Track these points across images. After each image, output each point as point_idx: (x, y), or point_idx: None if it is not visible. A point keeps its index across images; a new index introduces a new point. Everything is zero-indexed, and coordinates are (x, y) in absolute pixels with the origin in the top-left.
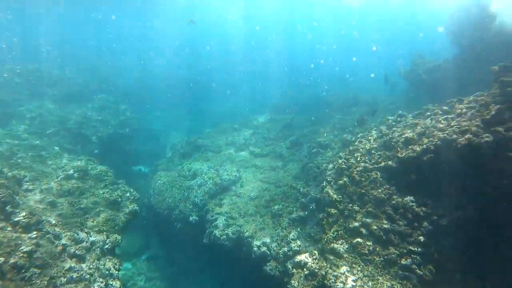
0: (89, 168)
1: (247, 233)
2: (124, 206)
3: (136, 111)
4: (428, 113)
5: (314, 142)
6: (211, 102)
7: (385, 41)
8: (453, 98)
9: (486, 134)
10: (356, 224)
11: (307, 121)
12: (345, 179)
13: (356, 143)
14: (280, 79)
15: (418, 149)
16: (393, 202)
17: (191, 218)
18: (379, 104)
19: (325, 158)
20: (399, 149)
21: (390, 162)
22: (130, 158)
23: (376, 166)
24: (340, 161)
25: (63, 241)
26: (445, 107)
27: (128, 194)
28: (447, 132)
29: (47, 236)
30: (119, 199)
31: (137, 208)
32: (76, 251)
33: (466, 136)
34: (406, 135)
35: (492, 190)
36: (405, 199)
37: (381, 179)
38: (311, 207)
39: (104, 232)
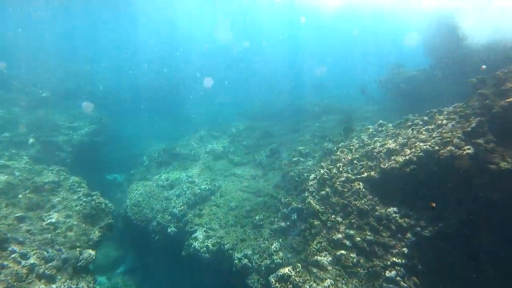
0: (61, 179)
1: (227, 245)
2: (99, 219)
3: (112, 117)
4: (409, 123)
5: (294, 151)
6: (190, 109)
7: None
8: (429, 106)
9: (468, 146)
10: (340, 235)
11: (286, 129)
12: (327, 190)
13: (338, 153)
14: (261, 86)
15: (401, 160)
16: (376, 213)
17: (169, 230)
18: (355, 112)
19: (306, 167)
20: (381, 160)
21: (372, 173)
22: (105, 166)
23: (358, 176)
24: (322, 171)
25: (32, 261)
26: (425, 118)
27: (103, 206)
28: (430, 143)
29: (13, 256)
30: (93, 212)
31: (113, 221)
32: (46, 271)
33: (448, 148)
34: (388, 145)
35: (472, 202)
36: (388, 210)
37: (364, 189)
38: (293, 218)
39: (77, 248)
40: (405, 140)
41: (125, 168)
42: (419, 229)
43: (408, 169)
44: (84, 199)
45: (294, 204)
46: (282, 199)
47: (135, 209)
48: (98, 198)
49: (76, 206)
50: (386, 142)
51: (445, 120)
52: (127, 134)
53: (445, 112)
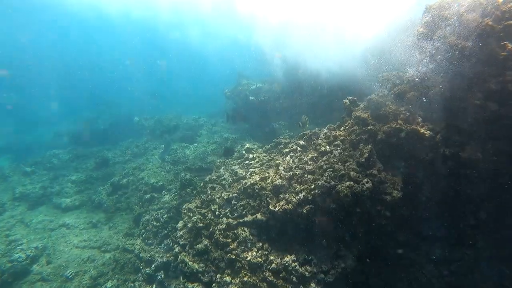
0: None
1: None
2: None
3: None
4: (286, 150)
5: (143, 184)
6: None
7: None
8: (279, 119)
9: (366, 180)
10: None
11: (125, 154)
12: (205, 242)
13: (208, 191)
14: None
15: (295, 200)
16: (272, 265)
17: None
18: (203, 127)
19: (164, 205)
20: (268, 200)
21: (259, 215)
22: None
23: (241, 220)
24: (194, 218)
25: None
26: (301, 142)
27: None
28: (325, 178)
29: None
30: None
31: None
32: None
33: (347, 183)
34: (273, 181)
35: (365, 234)
36: (285, 259)
37: (251, 237)
38: (160, 278)
39: None
40: (290, 172)
41: None
42: (322, 275)
43: (304, 210)
44: None
45: (158, 258)
46: (141, 253)
47: None
48: None
49: None
50: (267, 175)
51: (328, 147)
52: None
53: (322, 136)
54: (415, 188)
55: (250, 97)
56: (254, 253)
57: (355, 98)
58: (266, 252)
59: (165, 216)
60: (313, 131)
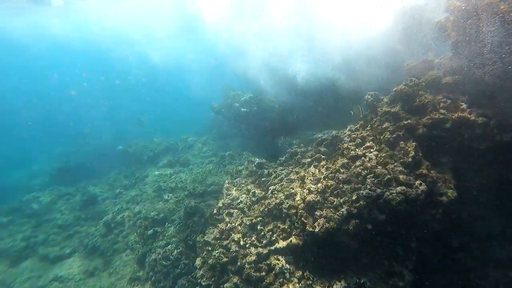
0: None
1: None
2: None
3: None
4: (307, 160)
5: (142, 219)
6: None
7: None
8: (278, 128)
9: (418, 182)
10: None
11: (115, 185)
12: (235, 280)
13: (226, 218)
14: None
15: (336, 216)
16: None
17: None
18: (193, 147)
19: (170, 240)
20: (304, 220)
21: (294, 239)
22: None
23: (273, 248)
24: (216, 253)
25: None
26: (322, 149)
27: None
28: (369, 186)
29: None
30: None
31: None
32: None
33: (399, 188)
34: (304, 197)
35: (417, 244)
36: (334, 287)
37: (288, 265)
38: None
39: None
40: (320, 185)
41: None
42: None
43: (350, 226)
44: None
45: None
46: None
47: None
48: None
49: None
50: (293, 191)
51: (358, 150)
52: None
53: (346, 138)
54: (469, 184)
55: (242, 109)
56: (296, 284)
57: (377, 93)
58: (310, 282)
59: (175, 252)
60: (333, 135)
